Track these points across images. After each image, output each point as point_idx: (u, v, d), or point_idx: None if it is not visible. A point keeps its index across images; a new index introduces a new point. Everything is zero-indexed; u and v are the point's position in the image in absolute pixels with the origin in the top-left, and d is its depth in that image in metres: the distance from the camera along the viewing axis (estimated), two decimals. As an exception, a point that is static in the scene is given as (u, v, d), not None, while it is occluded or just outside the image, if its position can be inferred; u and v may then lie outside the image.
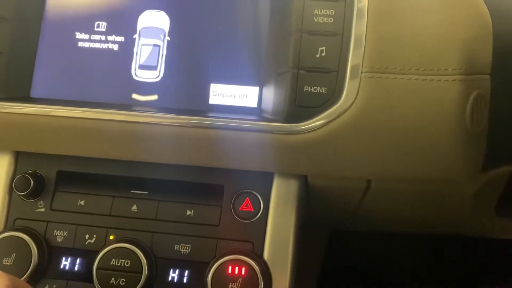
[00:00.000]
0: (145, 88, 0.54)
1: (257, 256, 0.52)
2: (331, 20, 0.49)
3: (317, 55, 0.49)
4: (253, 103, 0.53)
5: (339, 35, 0.49)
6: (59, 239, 0.54)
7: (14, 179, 0.55)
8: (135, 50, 0.54)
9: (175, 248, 0.53)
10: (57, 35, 0.55)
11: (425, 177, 0.51)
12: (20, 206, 0.55)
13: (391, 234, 0.86)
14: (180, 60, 0.54)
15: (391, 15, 0.49)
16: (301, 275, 0.57)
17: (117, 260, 0.51)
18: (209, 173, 0.54)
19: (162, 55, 0.54)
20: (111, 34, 0.55)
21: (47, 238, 0.54)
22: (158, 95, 0.54)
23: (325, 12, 0.49)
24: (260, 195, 0.54)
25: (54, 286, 0.53)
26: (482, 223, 0.71)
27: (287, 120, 0.49)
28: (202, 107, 0.53)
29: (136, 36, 0.55)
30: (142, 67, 0.54)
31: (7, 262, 0.51)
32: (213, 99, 0.53)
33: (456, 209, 0.64)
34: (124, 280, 0.50)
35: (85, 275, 0.53)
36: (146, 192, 0.55)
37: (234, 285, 0.50)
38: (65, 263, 0.53)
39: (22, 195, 0.54)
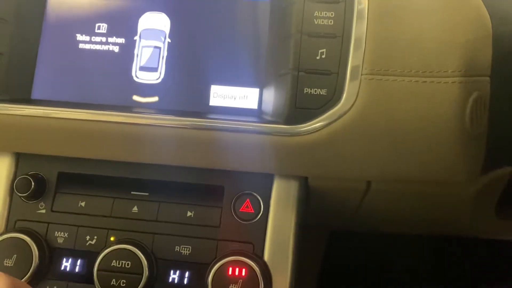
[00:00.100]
0: (145, 89, 0.54)
1: (258, 257, 0.52)
2: (331, 22, 0.49)
3: (317, 57, 0.49)
4: (254, 105, 0.53)
5: (339, 37, 0.49)
6: (60, 240, 0.54)
7: (15, 180, 0.55)
8: (135, 52, 0.54)
9: (176, 249, 0.53)
10: (58, 37, 0.56)
11: (425, 179, 0.51)
12: (21, 207, 0.55)
13: (391, 234, 0.86)
14: (181, 62, 0.54)
15: (391, 17, 0.49)
16: (301, 275, 0.57)
17: (117, 261, 0.51)
18: (210, 174, 0.54)
19: (163, 56, 0.54)
20: (111, 36, 0.55)
21: (48, 240, 0.54)
22: (159, 97, 0.54)
23: (325, 14, 0.49)
24: (260, 197, 0.54)
25: (55, 287, 0.53)
26: (482, 224, 0.71)
27: (287, 122, 0.49)
28: (202, 109, 0.53)
29: (136, 37, 0.55)
30: (142, 68, 0.54)
31: (8, 263, 0.51)
32: (214, 101, 0.53)
33: (456, 210, 0.64)
34: (124, 281, 0.51)
35: (85, 276, 0.53)
36: (147, 194, 0.55)
37: (234, 286, 0.50)
38: (66, 264, 0.53)
39: (23, 196, 0.54)
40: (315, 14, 0.49)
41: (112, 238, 0.54)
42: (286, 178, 0.54)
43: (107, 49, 0.55)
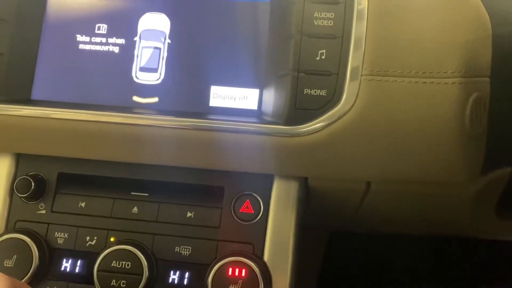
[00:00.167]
0: (145, 90, 0.54)
1: (257, 257, 0.52)
2: (331, 23, 0.49)
3: (317, 58, 0.49)
4: (253, 106, 0.53)
5: (339, 38, 0.49)
6: (60, 241, 0.54)
7: (15, 181, 0.55)
8: (135, 52, 0.55)
9: (176, 250, 0.53)
10: (58, 37, 0.56)
11: (424, 179, 0.51)
12: (21, 208, 0.55)
13: (391, 235, 0.86)
14: (181, 63, 0.54)
15: (391, 18, 0.49)
16: (301, 276, 0.57)
17: (117, 262, 0.51)
18: (210, 175, 0.54)
19: (163, 57, 0.54)
20: (111, 37, 0.55)
21: (48, 240, 0.54)
22: (159, 98, 0.54)
23: (325, 15, 0.49)
24: (260, 197, 0.54)
25: (55, 287, 0.53)
26: (482, 225, 0.71)
27: (287, 123, 0.49)
28: (202, 109, 0.53)
29: (136, 38, 0.55)
30: (142, 69, 0.54)
31: (8, 264, 0.51)
32: (214, 101, 0.53)
33: (456, 211, 0.64)
34: (124, 282, 0.51)
35: (85, 277, 0.53)
36: (147, 194, 0.55)
37: (234, 286, 0.50)
38: (66, 265, 0.54)
39: (23, 197, 0.55)
40: (315, 15, 0.50)
41: (112, 239, 0.54)
42: (286, 178, 0.54)
43: (107, 49, 0.55)
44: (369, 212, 0.64)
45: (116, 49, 0.55)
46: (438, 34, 0.48)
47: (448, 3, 0.50)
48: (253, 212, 0.53)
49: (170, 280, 0.52)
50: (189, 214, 0.54)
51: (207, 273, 0.51)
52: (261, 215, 0.53)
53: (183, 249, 0.53)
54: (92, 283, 0.51)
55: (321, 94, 0.49)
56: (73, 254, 0.54)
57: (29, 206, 0.55)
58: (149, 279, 0.51)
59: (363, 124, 0.48)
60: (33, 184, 0.54)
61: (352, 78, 0.48)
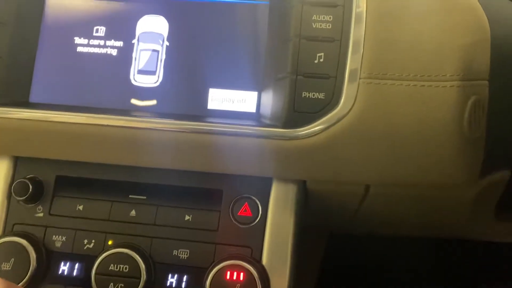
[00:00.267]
0: (144, 93, 0.54)
1: (256, 261, 0.52)
2: (329, 26, 0.49)
3: (316, 61, 0.49)
4: (252, 108, 0.53)
5: (337, 41, 0.49)
6: (58, 244, 0.54)
7: (13, 184, 0.55)
8: (134, 55, 0.54)
9: (174, 253, 0.53)
10: (56, 40, 0.55)
11: (423, 183, 0.51)
12: (18, 211, 0.55)
13: (391, 236, 0.86)
14: (179, 65, 0.54)
15: (389, 21, 0.49)
16: (300, 278, 0.57)
17: (115, 265, 0.51)
18: (208, 178, 0.54)
19: (161, 60, 0.54)
20: (110, 39, 0.55)
21: (46, 243, 0.54)
22: (157, 100, 0.54)
23: (323, 18, 0.49)
24: (258, 200, 0.54)
25: None
26: (482, 227, 0.71)
27: (285, 126, 0.49)
28: (200, 112, 0.53)
29: (135, 41, 0.55)
30: (141, 72, 0.54)
31: (6, 267, 0.51)
32: (212, 104, 0.53)
33: (455, 213, 0.64)
34: (122, 285, 0.51)
35: (83, 280, 0.53)
36: (145, 197, 0.55)
37: (232, 290, 0.50)
38: (64, 268, 0.53)
39: (21, 200, 0.54)
40: (313, 18, 0.49)
41: (110, 242, 0.53)
42: (285, 181, 0.54)
43: (105, 52, 0.55)
44: (368, 214, 0.64)
45: (114, 52, 0.55)
46: (436, 37, 0.48)
47: (446, 6, 0.49)
48: (251, 215, 0.53)
49: (168, 284, 0.52)
50: (187, 217, 0.54)
51: (205, 277, 0.50)
52: (260, 218, 0.53)
53: (181, 252, 0.53)
54: (90, 286, 0.51)
55: (319, 97, 0.49)
56: (71, 257, 0.53)
57: (27, 209, 0.55)
58: (147, 282, 0.51)
59: (362, 127, 0.48)
60: (31, 187, 0.54)
61: (351, 81, 0.48)
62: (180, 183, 0.55)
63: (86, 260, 0.53)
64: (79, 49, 0.55)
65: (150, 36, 0.54)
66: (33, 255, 0.52)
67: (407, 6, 0.49)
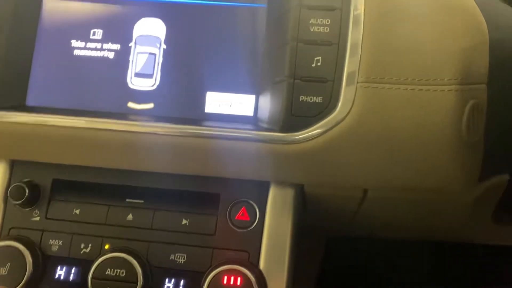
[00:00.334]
0: (141, 96, 0.54)
1: (253, 265, 0.51)
2: (327, 29, 0.49)
3: (313, 65, 0.49)
4: (249, 112, 0.52)
5: (335, 45, 0.49)
6: (54, 248, 0.54)
7: (9, 187, 0.55)
8: (131, 58, 0.54)
9: (171, 257, 0.52)
10: (52, 43, 0.55)
11: (421, 187, 0.51)
12: (15, 215, 0.55)
13: (389, 239, 0.86)
14: (176, 68, 0.54)
15: (388, 24, 0.49)
16: (298, 282, 0.57)
17: (112, 270, 0.51)
18: (205, 182, 0.54)
19: (158, 63, 0.54)
20: (107, 42, 0.55)
21: (42, 247, 0.54)
22: (154, 104, 0.54)
23: (321, 21, 0.49)
24: (256, 204, 0.53)
25: None
26: (480, 231, 0.71)
27: (283, 130, 0.49)
28: (198, 116, 0.53)
29: (132, 44, 0.54)
30: (138, 75, 0.54)
31: (2, 272, 0.51)
32: (209, 108, 0.53)
33: (453, 217, 0.64)
34: None
35: (80, 284, 0.52)
36: (142, 201, 0.55)
37: (229, 294, 0.49)
38: (60, 272, 0.53)
39: (17, 204, 0.54)
40: (310, 22, 0.49)
41: (106, 246, 0.53)
42: (282, 185, 0.54)
43: (102, 55, 0.54)
44: (367, 217, 0.64)
45: (111, 55, 0.54)
46: (434, 40, 0.48)
47: (445, 10, 0.49)
48: (248, 219, 0.53)
49: None
50: (184, 221, 0.54)
51: (202, 281, 0.50)
52: (257, 222, 0.53)
53: (178, 256, 0.53)
54: None
55: (317, 101, 0.48)
56: (68, 262, 0.53)
57: (24, 213, 0.55)
58: (143, 287, 0.51)
59: (359, 131, 0.48)
60: (27, 190, 0.54)
61: (348, 85, 0.48)
62: (177, 187, 0.54)
63: (83, 264, 0.53)
64: (76, 52, 0.55)
65: (147, 39, 0.54)
66: (29, 259, 0.52)
67: (405, 9, 0.49)
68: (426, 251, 0.99)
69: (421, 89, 0.47)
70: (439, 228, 0.71)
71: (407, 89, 0.47)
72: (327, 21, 0.49)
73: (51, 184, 0.55)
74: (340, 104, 0.48)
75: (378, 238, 0.86)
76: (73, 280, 0.53)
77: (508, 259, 0.98)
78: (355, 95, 0.47)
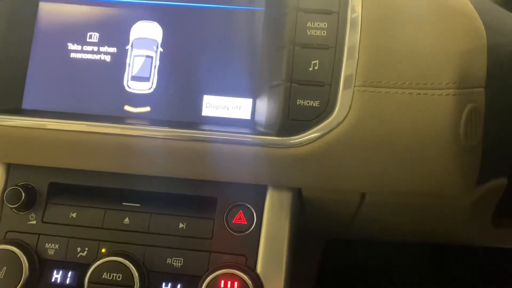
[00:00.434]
0: (137, 99, 0.53)
1: (250, 269, 0.51)
2: (324, 33, 0.49)
3: (310, 69, 0.48)
4: (247, 115, 0.52)
5: (332, 48, 0.49)
6: (51, 252, 0.53)
7: (5, 191, 0.54)
8: (127, 61, 0.54)
9: (167, 261, 0.52)
10: (49, 46, 0.55)
11: (419, 191, 0.51)
12: (11, 218, 0.55)
13: (388, 242, 0.86)
14: (173, 72, 0.53)
15: (385, 27, 0.49)
16: (296, 284, 0.57)
17: (108, 274, 0.51)
18: (202, 185, 0.54)
19: (155, 66, 0.54)
20: (103, 45, 0.54)
21: (39, 251, 0.53)
22: (151, 107, 0.53)
23: (318, 25, 0.49)
24: (253, 208, 0.53)
25: None
26: (479, 234, 0.70)
27: (280, 134, 0.49)
28: (195, 119, 0.53)
29: (128, 47, 0.54)
30: (134, 78, 0.54)
31: (-2, 275, 0.51)
32: (206, 111, 0.53)
33: (452, 221, 0.63)
34: None
35: None
36: (139, 205, 0.55)
37: (226, 299, 0.49)
38: (57, 276, 0.53)
39: (13, 207, 0.54)
40: (308, 25, 0.49)
41: (103, 250, 0.53)
42: (280, 189, 0.53)
43: (98, 58, 0.54)
44: (365, 221, 0.63)
45: (107, 58, 0.54)
46: (432, 44, 0.48)
47: (442, 13, 0.49)
48: (246, 223, 0.53)
49: None
50: (181, 225, 0.53)
51: (199, 285, 0.50)
52: (254, 226, 0.53)
53: (175, 260, 0.52)
54: None
55: (314, 105, 0.48)
56: (64, 266, 0.53)
57: (20, 216, 0.55)
58: None
59: (356, 135, 0.47)
60: (23, 194, 0.54)
61: (345, 89, 0.47)
62: (174, 191, 0.54)
63: (79, 268, 0.53)
64: (72, 55, 0.54)
65: (144, 42, 0.54)
66: (25, 263, 0.51)
67: (403, 13, 0.49)
68: (425, 252, 0.99)
69: (419, 93, 0.47)
70: (438, 232, 0.71)
71: (404, 93, 0.47)
72: (324, 25, 0.49)
73: (47, 188, 0.55)
74: (337, 108, 0.47)
75: (375, 241, 0.86)
76: (69, 284, 0.53)
77: (507, 260, 0.98)
78: (352, 99, 0.47)
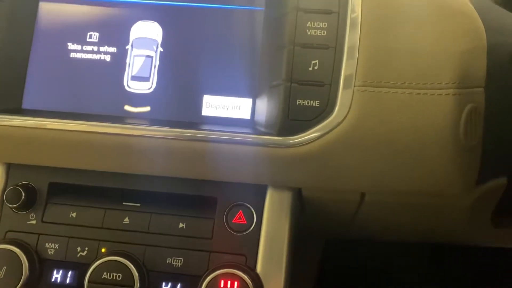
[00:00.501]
0: (137, 99, 0.53)
1: (250, 269, 0.51)
2: (323, 33, 0.49)
3: (310, 68, 0.48)
4: (246, 115, 0.52)
5: (332, 48, 0.49)
6: (51, 252, 0.53)
7: (5, 191, 0.54)
8: (127, 61, 0.54)
9: (167, 261, 0.52)
10: (49, 45, 0.55)
11: (419, 190, 0.51)
12: (11, 218, 0.55)
13: (388, 242, 0.86)
14: (173, 71, 0.53)
15: (385, 27, 0.49)
16: (296, 284, 0.57)
17: (108, 273, 0.51)
18: (202, 185, 0.54)
19: (155, 66, 0.54)
20: (103, 45, 0.54)
21: (39, 251, 0.53)
22: (151, 107, 0.53)
23: (318, 25, 0.49)
24: (253, 208, 0.53)
25: None
26: (479, 233, 0.70)
27: (280, 133, 0.49)
28: (195, 119, 0.53)
29: (128, 47, 0.54)
30: (134, 78, 0.54)
31: (-2, 275, 0.51)
32: (206, 111, 0.53)
33: (452, 220, 0.63)
34: None
35: None
36: (139, 204, 0.55)
37: (226, 299, 0.49)
38: (57, 276, 0.53)
39: (13, 207, 0.54)
40: (307, 25, 0.49)
41: (103, 250, 0.53)
42: (280, 189, 0.53)
43: (98, 58, 0.54)
44: (365, 220, 0.63)
45: (107, 58, 0.54)
46: (432, 44, 0.48)
47: (442, 13, 0.49)
48: (246, 222, 0.53)
49: None
50: (181, 225, 0.53)
51: (199, 285, 0.50)
52: (254, 226, 0.53)
53: (175, 260, 0.52)
54: None
55: (314, 104, 0.48)
56: (64, 265, 0.53)
57: (20, 216, 0.55)
58: None
59: (356, 135, 0.47)
60: (23, 194, 0.54)
61: (345, 89, 0.47)
62: (174, 191, 0.54)
63: (79, 268, 0.53)
64: (72, 55, 0.55)
65: (144, 42, 0.54)
66: (25, 263, 0.51)
67: (403, 12, 0.49)
68: (425, 252, 0.99)
69: (419, 93, 0.47)
70: (438, 232, 0.71)
71: (404, 93, 0.47)
72: (324, 25, 0.49)
73: (47, 188, 0.55)
74: (337, 108, 0.47)
75: (375, 241, 0.86)
76: (69, 283, 0.53)
77: (507, 260, 0.98)
78: (352, 98, 0.47)
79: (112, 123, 0.51)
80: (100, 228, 0.54)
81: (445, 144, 0.47)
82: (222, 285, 0.49)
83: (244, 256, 0.52)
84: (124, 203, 0.55)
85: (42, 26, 0.55)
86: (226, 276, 0.50)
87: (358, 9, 0.49)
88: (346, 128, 0.47)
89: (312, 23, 0.49)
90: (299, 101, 0.48)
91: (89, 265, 0.51)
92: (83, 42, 0.55)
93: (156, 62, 0.54)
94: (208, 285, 0.50)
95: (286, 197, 0.53)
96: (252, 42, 0.53)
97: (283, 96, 0.49)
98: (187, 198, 0.54)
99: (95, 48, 0.54)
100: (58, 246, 0.53)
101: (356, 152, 0.48)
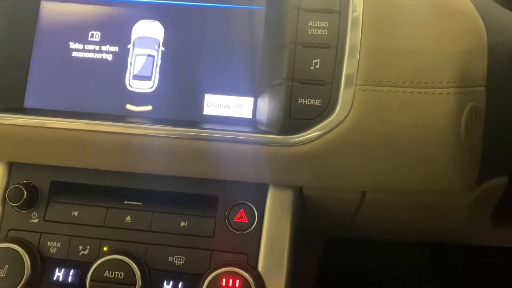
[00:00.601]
0: (139, 98, 0.54)
1: (251, 267, 0.51)
2: (325, 32, 0.49)
3: (311, 67, 0.49)
4: (248, 114, 0.52)
5: (333, 47, 0.49)
6: (53, 250, 0.54)
7: (7, 189, 0.54)
8: (129, 60, 0.54)
9: (169, 259, 0.52)
10: (50, 45, 0.55)
11: (419, 190, 0.51)
12: (13, 217, 0.55)
13: (388, 242, 0.86)
14: (175, 71, 0.54)
15: (386, 27, 0.49)
16: (297, 283, 0.57)
17: (110, 272, 0.51)
18: (204, 184, 0.54)
19: (157, 65, 0.54)
20: (105, 44, 0.55)
21: (41, 249, 0.54)
22: (152, 106, 0.53)
23: (319, 24, 0.49)
24: (254, 206, 0.53)
25: None
26: (479, 233, 0.71)
27: (281, 132, 0.49)
28: (196, 118, 0.53)
29: (130, 46, 0.54)
30: (136, 77, 0.54)
31: (0, 274, 0.51)
32: (208, 110, 0.53)
33: (452, 220, 0.63)
34: None
35: (78, 286, 0.52)
36: (140, 203, 0.55)
37: (228, 297, 0.49)
38: (59, 274, 0.53)
39: (15, 206, 0.54)
40: (309, 24, 0.49)
41: (105, 248, 0.53)
42: (281, 187, 0.54)
43: (100, 57, 0.54)
44: (366, 219, 0.64)
45: (109, 57, 0.54)
46: (433, 43, 0.48)
47: (443, 13, 0.49)
48: (247, 221, 0.53)
49: None
50: (182, 224, 0.54)
51: (201, 284, 0.50)
52: (256, 224, 0.53)
53: (177, 259, 0.52)
54: None
55: (315, 103, 0.48)
56: (66, 264, 0.53)
57: (22, 215, 0.55)
58: None
59: (357, 134, 0.48)
60: (25, 192, 0.54)
61: (347, 88, 0.48)
62: (175, 189, 0.54)
63: (81, 266, 0.53)
64: (74, 54, 0.55)
65: (146, 41, 0.54)
66: (27, 261, 0.52)
67: (404, 12, 0.49)
68: (425, 252, 0.99)
69: (420, 92, 0.47)
70: (438, 231, 0.71)
71: (405, 92, 0.47)
72: (326, 24, 0.49)
73: (49, 186, 0.55)
74: (338, 107, 0.48)
75: (376, 240, 0.86)
76: (71, 282, 0.53)
77: (507, 260, 0.98)
78: (353, 97, 0.47)
79: (114, 122, 0.51)
80: (102, 226, 0.54)
81: (445, 143, 0.47)
82: (223, 284, 0.50)
83: (245, 254, 0.52)
84: (125, 202, 0.55)
85: (43, 25, 0.55)
86: (227, 275, 0.50)
87: (360, 8, 0.49)
88: (347, 127, 0.48)
89: (314, 22, 0.49)
90: (300, 100, 0.49)
91: (91, 264, 0.51)
92: (84, 41, 0.55)
93: (158, 61, 0.54)
94: (209, 283, 0.50)
95: (287, 196, 0.53)
96: (253, 41, 0.53)
97: (285, 95, 0.49)
98: (188, 196, 0.54)
99: (97, 47, 0.55)
100: (60, 245, 0.54)
101: (357, 151, 0.48)
